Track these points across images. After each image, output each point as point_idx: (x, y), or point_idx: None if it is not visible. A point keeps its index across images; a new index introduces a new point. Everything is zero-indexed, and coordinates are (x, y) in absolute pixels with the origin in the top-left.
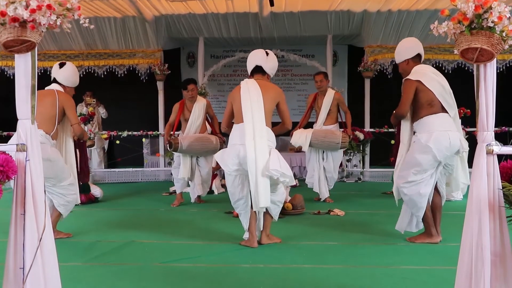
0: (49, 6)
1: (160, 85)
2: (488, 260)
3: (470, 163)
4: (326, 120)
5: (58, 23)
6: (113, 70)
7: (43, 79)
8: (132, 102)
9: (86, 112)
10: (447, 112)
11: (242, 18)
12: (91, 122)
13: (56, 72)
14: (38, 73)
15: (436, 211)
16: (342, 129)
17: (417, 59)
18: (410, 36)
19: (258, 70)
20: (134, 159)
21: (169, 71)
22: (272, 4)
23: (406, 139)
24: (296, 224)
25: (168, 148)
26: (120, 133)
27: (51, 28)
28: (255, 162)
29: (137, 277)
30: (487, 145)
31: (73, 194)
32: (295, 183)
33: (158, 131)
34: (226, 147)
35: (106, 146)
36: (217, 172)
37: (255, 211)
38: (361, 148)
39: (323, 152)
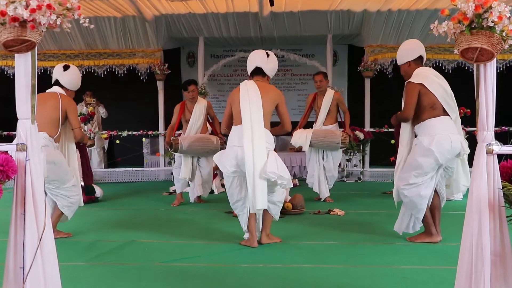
0: (49, 6)
1: (160, 85)
2: (488, 260)
3: (470, 163)
4: (325, 120)
5: (58, 22)
6: (113, 70)
7: (43, 79)
8: (132, 101)
9: (86, 111)
10: (448, 115)
11: (242, 17)
12: (91, 121)
13: (59, 74)
14: (38, 72)
15: (435, 211)
16: (342, 129)
17: (418, 61)
18: (410, 35)
19: (258, 72)
20: (134, 159)
21: (169, 71)
22: (272, 3)
23: (406, 141)
24: (296, 224)
25: (168, 148)
26: (120, 133)
27: (51, 27)
28: (253, 164)
29: (137, 276)
30: (487, 144)
31: (76, 195)
32: (292, 185)
33: (158, 130)
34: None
35: (106, 146)
36: (217, 172)
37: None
38: (361, 148)
39: (323, 151)
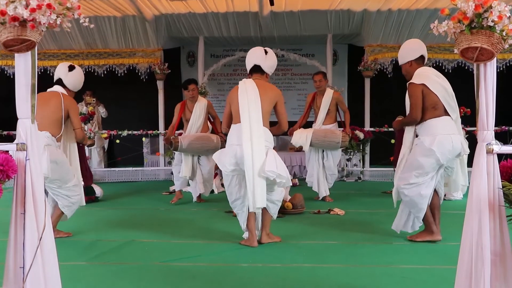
0: (49, 5)
1: (160, 84)
2: (488, 260)
3: (470, 163)
4: (325, 119)
5: (58, 22)
6: (113, 70)
7: (43, 78)
8: (132, 101)
9: (86, 111)
10: (449, 115)
11: (242, 17)
12: (91, 121)
13: (64, 74)
14: (38, 72)
15: (435, 210)
16: (342, 129)
17: (420, 60)
18: (410, 35)
19: (257, 70)
20: (134, 158)
21: (169, 71)
22: (272, 3)
23: (409, 142)
24: (296, 223)
25: (169, 147)
26: (120, 132)
27: (51, 27)
28: (252, 162)
29: (137, 276)
30: (487, 144)
31: (77, 195)
32: (291, 184)
33: (158, 130)
34: None
35: (106, 146)
36: (217, 171)
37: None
38: (361, 148)
39: (323, 151)
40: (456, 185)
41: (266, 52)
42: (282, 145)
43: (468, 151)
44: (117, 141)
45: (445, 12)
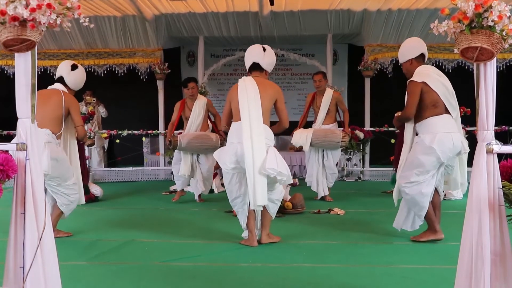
0: (49, 5)
1: (160, 84)
2: (488, 259)
3: (470, 162)
4: (325, 119)
5: (58, 22)
6: (113, 69)
7: (43, 78)
8: (132, 101)
9: (86, 111)
10: (449, 113)
11: (242, 17)
12: (91, 121)
13: (66, 73)
14: (38, 72)
15: (436, 209)
16: (342, 128)
17: (420, 59)
18: (410, 35)
19: (256, 67)
20: (134, 158)
21: (169, 70)
22: (272, 3)
23: (409, 140)
24: (296, 223)
25: (168, 145)
26: (120, 132)
27: (51, 27)
28: (252, 160)
29: (137, 276)
30: (487, 144)
31: (76, 194)
32: (292, 182)
33: (158, 130)
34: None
35: (106, 145)
36: (217, 171)
37: (253, 210)
38: (361, 147)
39: (323, 151)
40: (456, 184)
41: (264, 50)
42: (282, 145)
43: (468, 149)
44: (117, 141)
45: (445, 12)
